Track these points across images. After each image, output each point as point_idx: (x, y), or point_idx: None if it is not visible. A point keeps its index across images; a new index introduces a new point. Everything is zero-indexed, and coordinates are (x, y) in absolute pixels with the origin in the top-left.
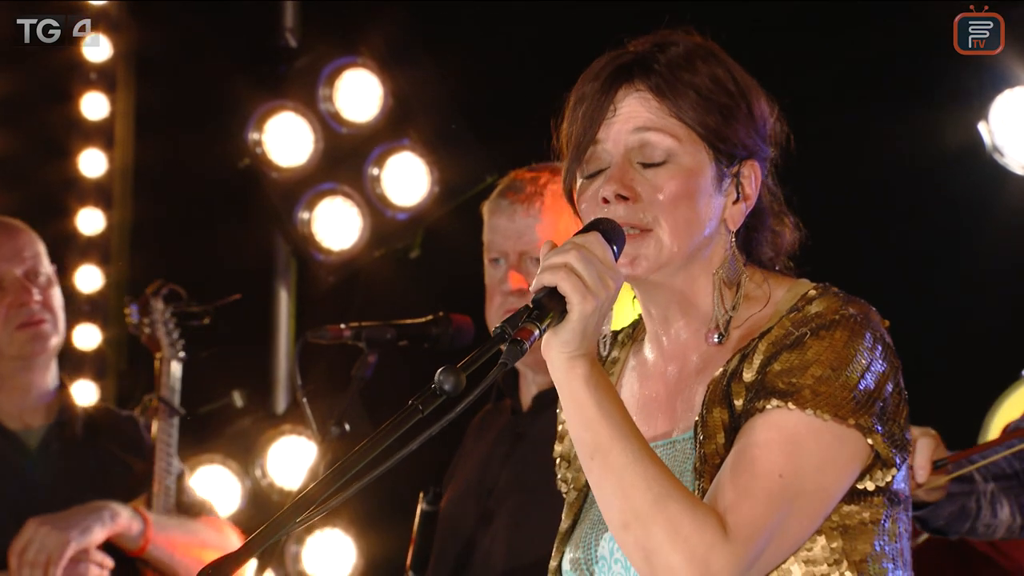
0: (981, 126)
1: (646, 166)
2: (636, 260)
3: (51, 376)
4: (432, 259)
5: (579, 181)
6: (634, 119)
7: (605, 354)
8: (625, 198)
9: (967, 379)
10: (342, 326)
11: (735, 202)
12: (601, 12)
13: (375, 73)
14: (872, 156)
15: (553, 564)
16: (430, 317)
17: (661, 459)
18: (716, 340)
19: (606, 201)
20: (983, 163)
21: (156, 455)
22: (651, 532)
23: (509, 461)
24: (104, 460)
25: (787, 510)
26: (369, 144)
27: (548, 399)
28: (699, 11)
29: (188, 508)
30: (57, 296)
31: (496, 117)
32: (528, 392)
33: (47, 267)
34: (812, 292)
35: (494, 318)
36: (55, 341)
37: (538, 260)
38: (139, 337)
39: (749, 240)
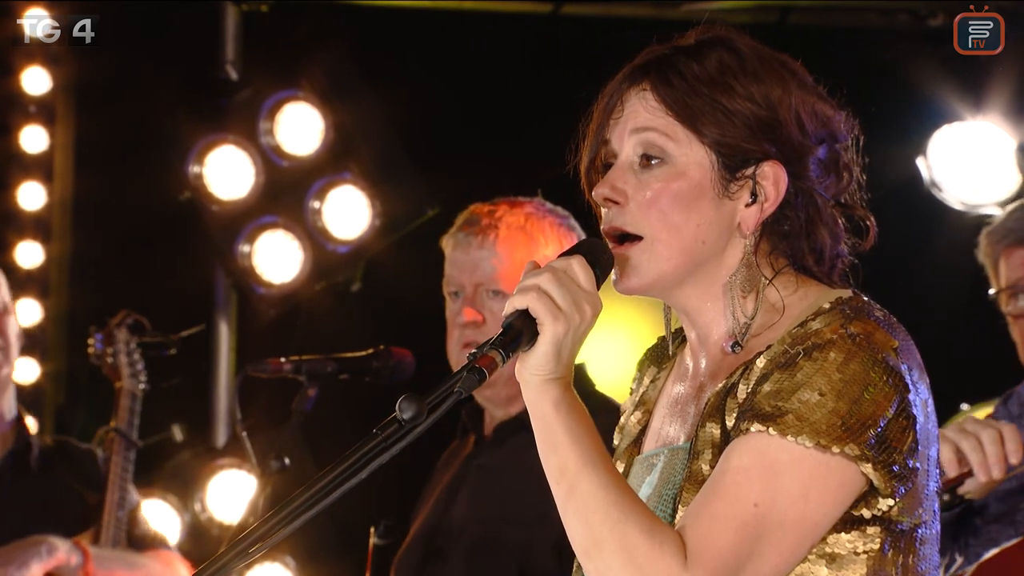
0: (920, 161)
1: (643, 168)
2: (626, 273)
3: (7, 406)
4: (373, 292)
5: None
6: (633, 119)
7: (670, 352)
8: (615, 202)
9: None
10: (282, 359)
11: (748, 205)
12: (538, 49)
13: (316, 106)
14: None
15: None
16: (371, 351)
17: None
18: (730, 349)
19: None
20: (921, 198)
21: (109, 487)
22: (608, 560)
23: (468, 492)
24: (58, 492)
25: (762, 540)
26: (310, 177)
27: (509, 429)
28: (635, 41)
29: (140, 541)
30: (11, 325)
31: (437, 150)
32: (491, 425)
33: (3, 295)
34: (825, 306)
35: (453, 351)
36: (5, 371)
37: (494, 292)
38: (100, 367)
39: (784, 245)
